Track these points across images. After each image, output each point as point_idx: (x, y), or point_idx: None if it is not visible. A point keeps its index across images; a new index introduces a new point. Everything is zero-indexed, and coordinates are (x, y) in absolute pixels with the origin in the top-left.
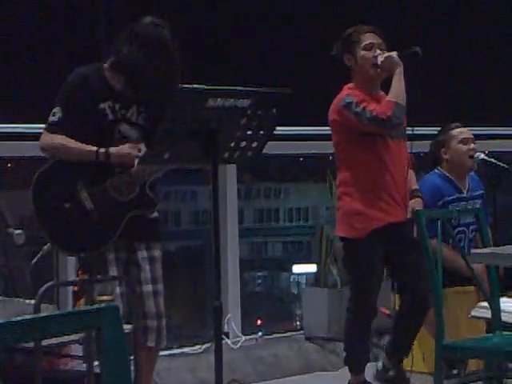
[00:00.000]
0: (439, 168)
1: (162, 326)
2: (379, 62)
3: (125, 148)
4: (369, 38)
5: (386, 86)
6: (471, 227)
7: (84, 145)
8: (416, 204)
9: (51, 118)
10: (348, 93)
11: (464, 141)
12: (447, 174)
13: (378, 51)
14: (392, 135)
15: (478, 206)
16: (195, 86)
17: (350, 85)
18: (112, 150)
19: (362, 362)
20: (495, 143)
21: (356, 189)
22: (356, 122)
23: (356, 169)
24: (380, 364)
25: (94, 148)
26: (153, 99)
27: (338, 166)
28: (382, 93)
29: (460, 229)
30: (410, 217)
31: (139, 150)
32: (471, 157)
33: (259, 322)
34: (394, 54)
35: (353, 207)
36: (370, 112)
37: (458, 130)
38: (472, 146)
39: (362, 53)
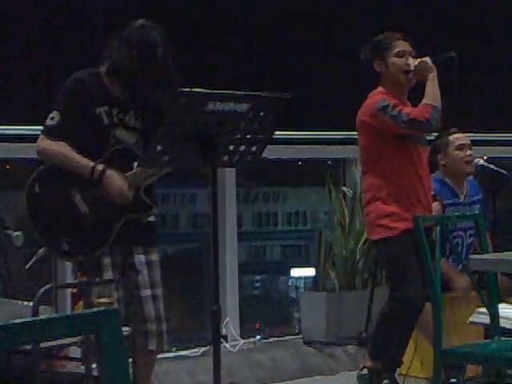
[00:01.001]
0: (436, 173)
1: (163, 329)
2: (412, 67)
3: (119, 180)
4: (401, 45)
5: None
6: (469, 232)
7: (82, 158)
8: (437, 208)
9: (49, 122)
10: (382, 97)
11: (460, 147)
12: (444, 179)
13: (410, 59)
14: (421, 141)
15: (476, 212)
16: (195, 89)
17: (380, 89)
18: (108, 173)
19: (397, 360)
20: (494, 149)
21: (388, 193)
22: (392, 124)
23: (388, 173)
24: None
25: (91, 164)
26: (147, 102)
27: (365, 171)
28: (407, 102)
29: (456, 233)
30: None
31: (127, 192)
32: (468, 162)
33: (257, 325)
34: (428, 59)
35: (385, 209)
36: (407, 115)
37: (455, 135)
38: (469, 152)
39: (394, 59)
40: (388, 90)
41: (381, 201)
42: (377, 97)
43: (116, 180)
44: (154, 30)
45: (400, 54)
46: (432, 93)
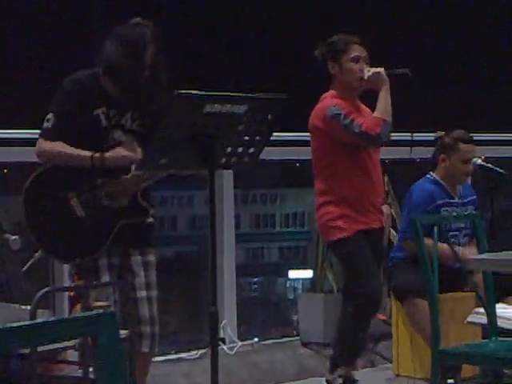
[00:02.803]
0: (431, 173)
1: (156, 331)
2: (366, 77)
3: (120, 151)
4: (356, 50)
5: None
6: (463, 232)
7: (79, 150)
8: (386, 210)
9: (45, 124)
10: (335, 103)
11: (466, 161)
12: (439, 180)
13: (364, 65)
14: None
15: (473, 212)
16: (192, 91)
17: (332, 93)
18: (107, 154)
19: (355, 355)
20: (492, 149)
21: (339, 197)
22: (344, 134)
23: (339, 177)
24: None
25: (89, 153)
26: (142, 104)
27: (316, 174)
28: (360, 103)
29: (452, 233)
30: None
31: (135, 151)
32: (467, 174)
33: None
34: (382, 70)
35: (337, 212)
36: (359, 126)
37: (467, 146)
38: (470, 166)
39: (349, 65)
40: (340, 93)
41: (333, 204)
42: (329, 102)
43: (118, 153)
44: (147, 28)
45: (355, 60)
46: (385, 106)
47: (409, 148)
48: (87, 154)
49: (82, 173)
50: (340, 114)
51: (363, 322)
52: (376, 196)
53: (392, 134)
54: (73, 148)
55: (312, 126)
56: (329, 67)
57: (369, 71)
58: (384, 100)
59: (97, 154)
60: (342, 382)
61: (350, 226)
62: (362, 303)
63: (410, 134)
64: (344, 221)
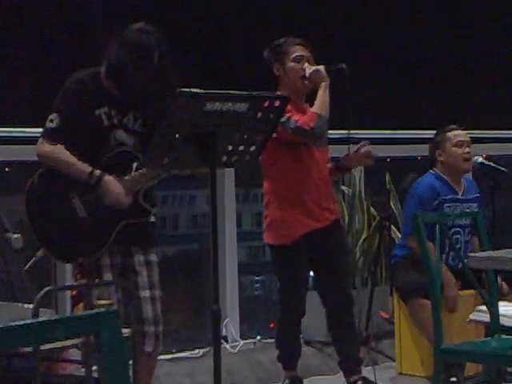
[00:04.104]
0: (435, 169)
1: (160, 331)
2: (307, 75)
3: (117, 187)
4: (299, 51)
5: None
6: (467, 229)
7: (80, 163)
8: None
9: (48, 125)
10: None
11: (459, 144)
12: (442, 175)
13: (307, 64)
14: (316, 144)
15: (474, 210)
16: (193, 90)
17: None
18: (105, 179)
19: (294, 359)
20: (493, 146)
21: (281, 197)
22: (281, 130)
23: (281, 177)
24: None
25: (89, 169)
26: (145, 105)
27: (263, 174)
28: (306, 105)
29: (455, 230)
30: (336, 218)
31: (126, 198)
32: (466, 159)
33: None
34: (322, 68)
35: (279, 215)
36: (295, 122)
37: (454, 132)
38: (467, 149)
39: (292, 64)
40: (285, 94)
41: (275, 204)
42: None
43: (113, 186)
44: (152, 35)
45: (297, 59)
46: (321, 102)
47: (409, 145)
48: (87, 169)
49: None
50: None
51: (289, 327)
52: (320, 195)
53: (392, 132)
54: (74, 158)
55: None
56: (274, 69)
57: (310, 69)
58: (322, 96)
59: (97, 172)
60: (288, 382)
61: (291, 232)
62: (286, 312)
63: (411, 132)
64: (286, 226)
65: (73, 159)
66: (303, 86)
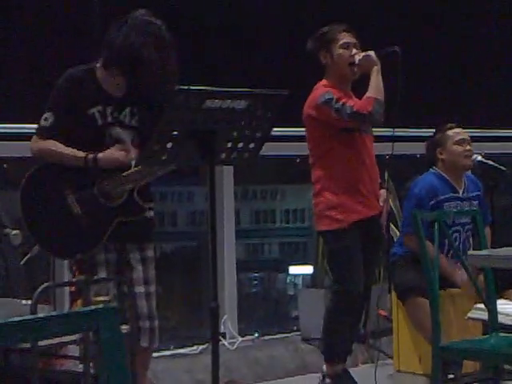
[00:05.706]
0: (435, 168)
1: (155, 326)
2: (357, 61)
3: (113, 153)
4: (345, 37)
5: (358, 87)
6: (466, 227)
7: (73, 150)
8: (384, 195)
9: (42, 123)
10: (327, 90)
11: (460, 142)
12: (443, 174)
13: (355, 50)
14: (366, 130)
15: (474, 208)
16: (192, 87)
17: (324, 82)
18: (100, 155)
19: (346, 352)
20: (492, 145)
21: (336, 184)
22: (336, 117)
23: (335, 164)
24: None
25: (83, 154)
26: (150, 95)
27: (313, 163)
28: (351, 93)
29: (455, 228)
30: (380, 210)
31: (129, 152)
32: (467, 157)
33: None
34: (372, 52)
35: (333, 201)
36: (351, 108)
37: (454, 130)
38: (468, 147)
39: (340, 51)
40: (332, 82)
41: (329, 191)
42: (321, 90)
43: (110, 155)
44: (163, 26)
45: (345, 46)
46: (376, 86)
47: (410, 143)
48: (81, 154)
49: (78, 170)
50: (332, 99)
51: (344, 318)
52: (372, 182)
53: (395, 130)
54: (66, 147)
55: (306, 115)
56: (321, 58)
57: (359, 55)
58: (375, 80)
59: (90, 155)
60: (329, 381)
61: (346, 217)
62: (341, 300)
63: (411, 130)
64: (340, 211)
65: (65, 149)
66: (351, 73)
